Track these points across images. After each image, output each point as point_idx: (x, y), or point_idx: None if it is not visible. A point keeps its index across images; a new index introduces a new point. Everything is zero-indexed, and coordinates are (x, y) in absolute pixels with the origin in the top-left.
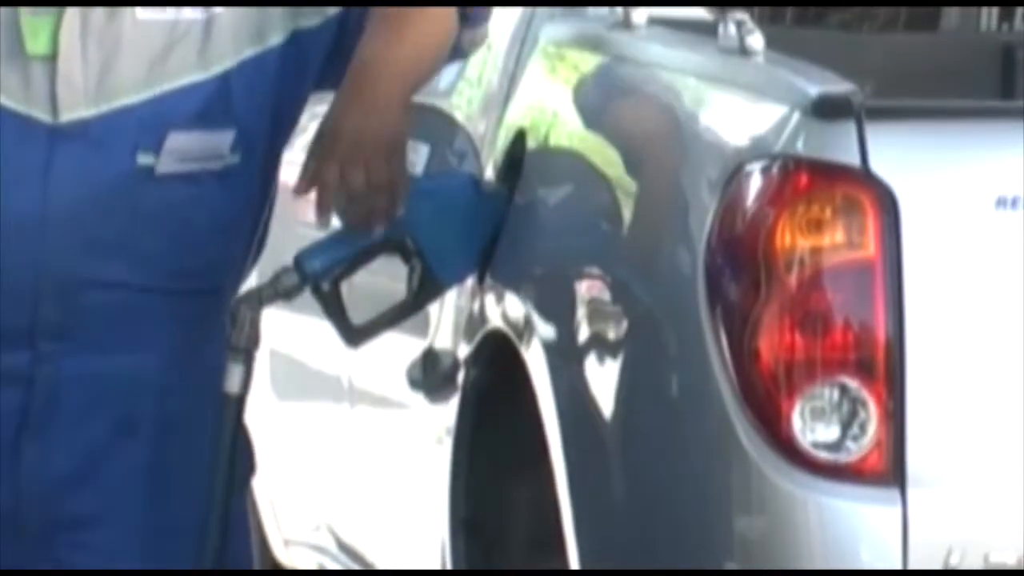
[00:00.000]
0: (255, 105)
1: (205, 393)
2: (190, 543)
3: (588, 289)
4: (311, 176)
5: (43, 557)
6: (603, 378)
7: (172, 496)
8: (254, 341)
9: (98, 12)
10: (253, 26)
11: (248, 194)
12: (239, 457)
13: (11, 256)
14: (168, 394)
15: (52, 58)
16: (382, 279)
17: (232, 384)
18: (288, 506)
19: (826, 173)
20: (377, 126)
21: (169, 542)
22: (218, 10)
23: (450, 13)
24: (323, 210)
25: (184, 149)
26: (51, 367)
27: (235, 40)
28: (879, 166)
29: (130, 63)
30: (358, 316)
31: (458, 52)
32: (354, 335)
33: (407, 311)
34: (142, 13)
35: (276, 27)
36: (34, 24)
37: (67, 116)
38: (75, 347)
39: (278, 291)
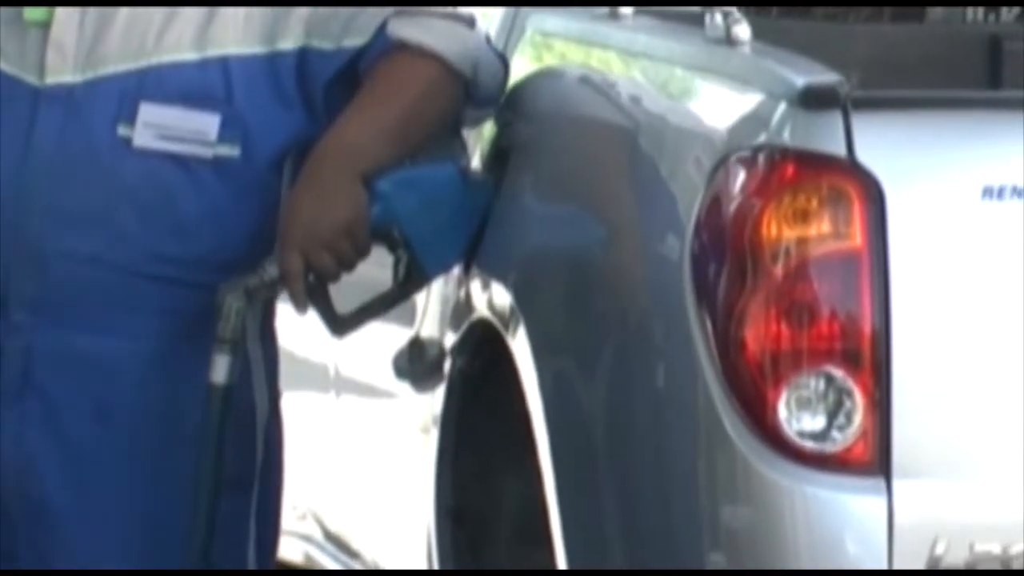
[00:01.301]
0: (257, 103)
1: (193, 391)
2: (174, 537)
3: (574, 278)
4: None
5: (26, 541)
6: (589, 367)
7: (153, 489)
8: (240, 332)
9: None
10: (266, 25)
11: (251, 193)
12: (248, 455)
13: None
14: (148, 386)
15: (48, 25)
16: (368, 268)
17: (218, 375)
18: None
19: (812, 163)
20: (333, 210)
21: (147, 537)
22: None
23: (446, 92)
24: (298, 300)
25: (160, 124)
26: (22, 339)
27: (243, 31)
28: (865, 156)
29: (124, 33)
30: (343, 305)
31: (458, 123)
32: (340, 324)
33: (393, 300)
34: None
35: (289, 35)
36: None
37: (52, 79)
38: (49, 322)
39: (264, 281)
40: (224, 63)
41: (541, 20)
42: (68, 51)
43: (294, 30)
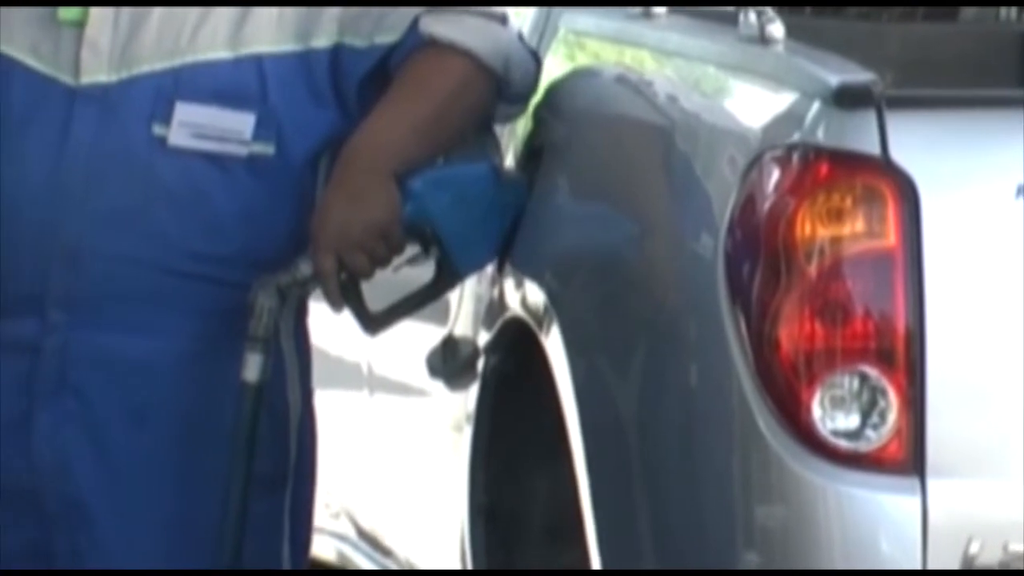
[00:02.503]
0: (292, 101)
1: (229, 391)
2: (208, 536)
3: (607, 277)
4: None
5: (62, 540)
6: (622, 366)
7: (187, 490)
8: (272, 330)
9: None
10: (300, 23)
11: (286, 191)
12: (282, 454)
13: (25, 218)
14: (185, 384)
15: (82, 24)
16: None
17: (250, 373)
18: None
19: (846, 162)
20: (366, 210)
21: (184, 535)
22: None
23: (477, 89)
24: (333, 299)
25: (196, 123)
26: (59, 338)
27: (277, 30)
28: (899, 155)
29: (159, 33)
30: (376, 303)
31: (489, 120)
32: (373, 322)
33: (426, 299)
34: None
35: (322, 32)
36: None
37: (87, 79)
38: (85, 321)
39: (296, 279)
40: (258, 62)
41: (574, 19)
42: (103, 50)
43: (327, 28)
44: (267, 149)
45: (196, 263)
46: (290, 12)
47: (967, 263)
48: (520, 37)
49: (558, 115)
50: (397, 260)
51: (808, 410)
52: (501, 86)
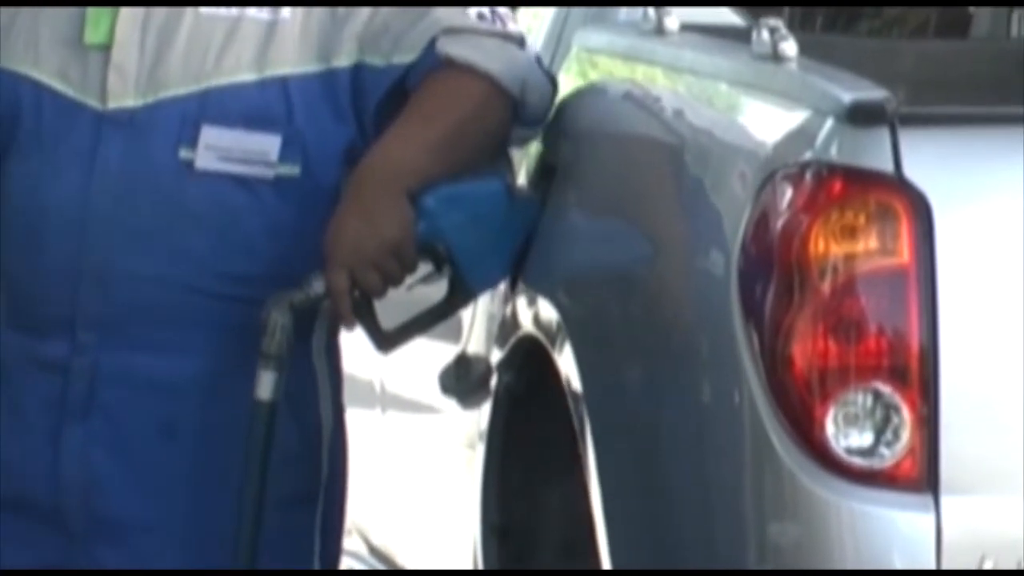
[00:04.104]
0: (316, 121)
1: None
2: (227, 558)
3: (620, 294)
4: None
5: (85, 558)
6: (636, 384)
7: (215, 506)
8: (285, 347)
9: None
10: (320, 44)
11: (313, 210)
12: (314, 470)
13: (54, 241)
14: (213, 402)
15: (109, 48)
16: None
17: (263, 391)
18: None
19: (860, 179)
20: (379, 229)
21: (211, 552)
22: (285, 14)
23: (494, 110)
24: (345, 317)
25: (222, 147)
26: (89, 359)
27: (299, 51)
28: (913, 172)
29: (184, 56)
30: (389, 321)
31: (504, 143)
32: (385, 340)
33: (439, 317)
34: (205, 8)
35: (343, 52)
36: (96, 15)
37: (114, 104)
38: (114, 342)
39: (309, 296)
40: (283, 83)
41: (586, 36)
42: (129, 75)
43: (348, 46)
44: (293, 170)
45: (224, 283)
46: (313, 32)
47: (980, 280)
48: (538, 60)
49: (570, 133)
50: (410, 279)
51: (822, 427)
52: (517, 109)
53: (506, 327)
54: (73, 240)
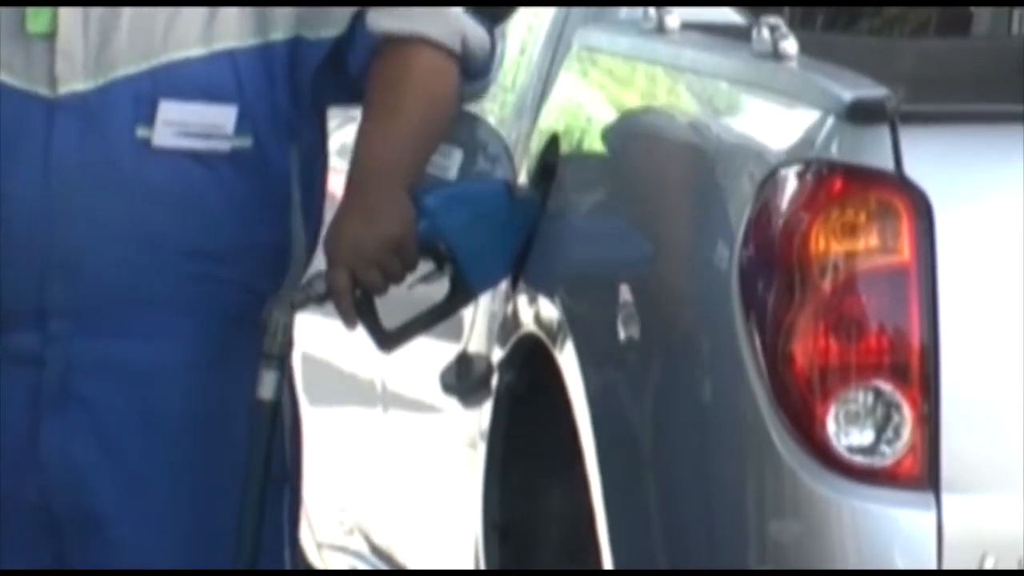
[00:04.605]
0: (261, 92)
1: (239, 396)
2: (219, 546)
3: (621, 293)
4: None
5: (77, 555)
6: (637, 382)
7: (200, 493)
8: (287, 347)
9: None
10: (259, 17)
11: (266, 183)
12: (281, 456)
13: (17, 233)
14: (190, 388)
15: (52, 36)
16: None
17: (265, 390)
18: (321, 510)
19: (860, 178)
20: (380, 226)
21: (198, 544)
22: None
23: (446, 74)
24: (347, 316)
25: (180, 121)
26: (62, 348)
27: (241, 25)
28: (913, 170)
29: (130, 35)
30: (390, 321)
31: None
32: (387, 340)
33: (440, 316)
34: None
35: (280, 26)
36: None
37: (65, 89)
38: (87, 328)
39: (310, 296)
40: (231, 56)
41: (587, 35)
42: (77, 59)
43: (285, 20)
44: (246, 142)
45: (192, 262)
46: (250, 9)
47: (981, 278)
48: (466, 11)
49: (570, 131)
50: (411, 278)
51: (823, 425)
52: (464, 65)
53: (507, 326)
54: (37, 230)
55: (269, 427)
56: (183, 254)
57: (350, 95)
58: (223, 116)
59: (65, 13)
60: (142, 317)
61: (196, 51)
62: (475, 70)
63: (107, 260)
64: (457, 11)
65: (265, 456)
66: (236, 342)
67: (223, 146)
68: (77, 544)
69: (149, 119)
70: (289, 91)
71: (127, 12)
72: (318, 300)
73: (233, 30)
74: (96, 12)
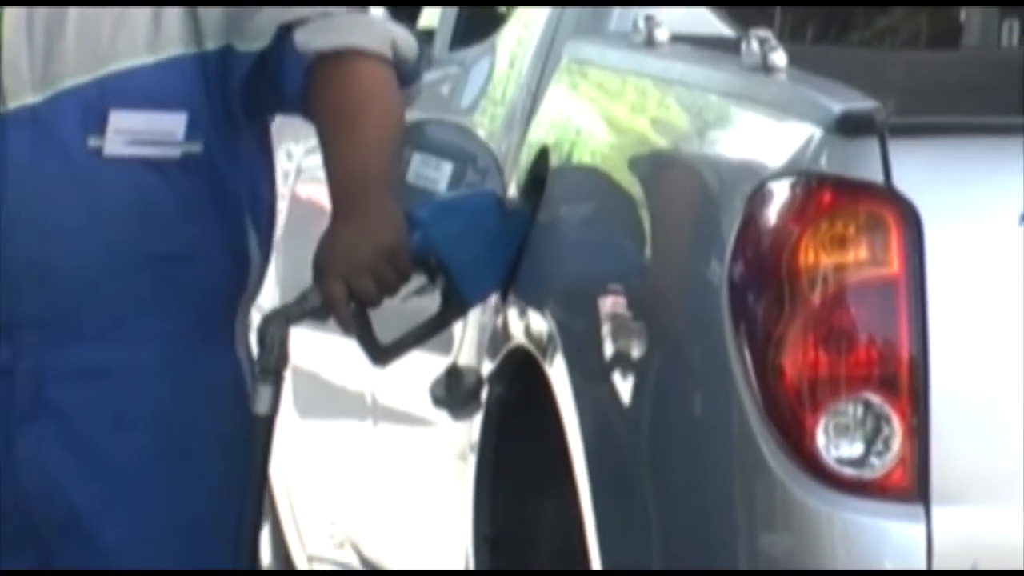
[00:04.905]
0: (205, 98)
1: (205, 391)
2: (204, 538)
3: (611, 306)
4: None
5: (60, 558)
6: (627, 395)
7: (179, 491)
8: (283, 361)
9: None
10: (195, 26)
11: (217, 184)
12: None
13: None
14: (161, 389)
15: None
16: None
17: (262, 405)
18: (312, 522)
19: (849, 190)
20: (374, 236)
21: (179, 537)
22: None
23: (389, 81)
24: (344, 323)
25: (131, 130)
26: (32, 360)
27: (181, 33)
28: (902, 183)
29: (77, 46)
30: (384, 336)
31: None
32: (381, 354)
33: (434, 329)
34: None
35: (212, 34)
36: None
37: (14, 103)
38: (55, 338)
39: (306, 309)
40: (177, 63)
41: (576, 48)
42: (23, 72)
43: (216, 29)
44: (196, 147)
45: (153, 265)
46: (189, 13)
47: (970, 290)
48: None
49: (560, 144)
50: (404, 290)
51: (812, 438)
52: (398, 69)
53: (497, 338)
54: (0, 245)
55: (266, 442)
56: (143, 258)
57: (286, 109)
58: (173, 123)
59: (8, 25)
60: (109, 322)
61: (144, 59)
62: (408, 74)
63: (70, 269)
64: (381, 18)
65: (262, 470)
66: (204, 340)
67: (174, 152)
68: (59, 552)
69: (100, 129)
70: (223, 99)
71: (72, 22)
72: (313, 313)
73: (176, 37)
74: (41, 22)
